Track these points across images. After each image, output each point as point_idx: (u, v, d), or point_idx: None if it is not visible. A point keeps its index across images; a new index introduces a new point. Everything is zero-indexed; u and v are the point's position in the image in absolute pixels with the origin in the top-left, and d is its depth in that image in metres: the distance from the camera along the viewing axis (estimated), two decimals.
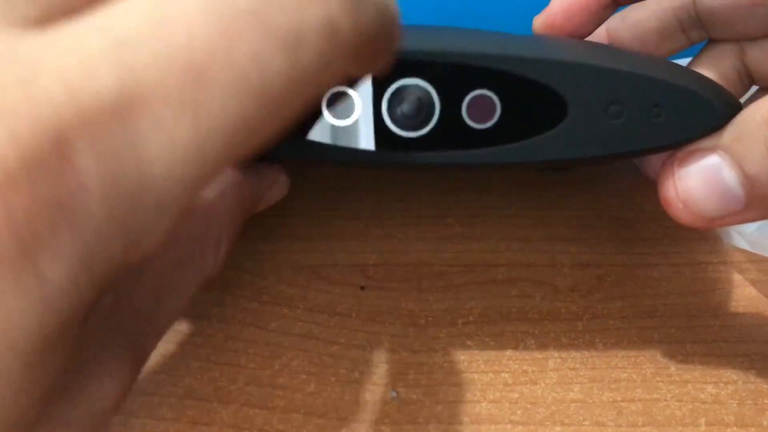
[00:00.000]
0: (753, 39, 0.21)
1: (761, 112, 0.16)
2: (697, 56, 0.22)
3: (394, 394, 0.19)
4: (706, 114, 0.17)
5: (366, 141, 0.18)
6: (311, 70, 0.09)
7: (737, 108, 0.17)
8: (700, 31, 0.22)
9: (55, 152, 0.08)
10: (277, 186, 0.20)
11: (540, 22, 0.22)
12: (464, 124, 0.17)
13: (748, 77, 0.21)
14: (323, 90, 0.10)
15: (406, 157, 0.18)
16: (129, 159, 0.08)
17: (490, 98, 0.17)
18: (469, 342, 0.21)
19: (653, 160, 0.22)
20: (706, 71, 0.21)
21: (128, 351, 0.14)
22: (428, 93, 0.17)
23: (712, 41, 0.22)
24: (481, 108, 0.17)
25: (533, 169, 0.23)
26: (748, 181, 0.16)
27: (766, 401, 0.18)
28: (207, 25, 0.09)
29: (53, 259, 0.08)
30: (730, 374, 0.19)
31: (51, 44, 0.09)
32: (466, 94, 0.17)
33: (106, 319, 0.14)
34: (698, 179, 0.16)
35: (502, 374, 0.19)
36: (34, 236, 0.08)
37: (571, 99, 0.17)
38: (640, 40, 0.22)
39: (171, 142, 0.09)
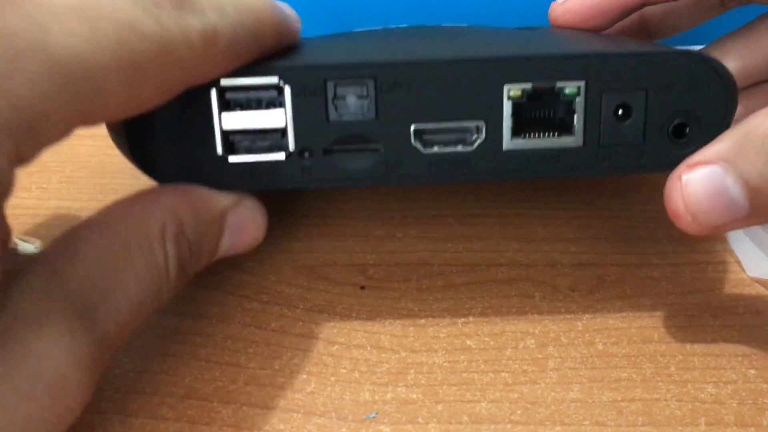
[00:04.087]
0: None
1: (764, 127, 0.16)
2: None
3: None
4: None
5: None
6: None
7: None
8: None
9: None
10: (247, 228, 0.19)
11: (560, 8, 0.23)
12: None
13: None
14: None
15: None
16: None
17: None
18: (469, 342, 0.21)
19: None
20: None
21: (73, 317, 0.14)
22: None
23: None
24: None
25: None
26: (753, 192, 0.16)
27: (766, 401, 0.18)
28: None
29: None
30: (730, 374, 0.19)
31: None
32: None
33: (39, 286, 0.14)
34: (704, 192, 0.17)
35: (502, 374, 0.19)
36: None
37: None
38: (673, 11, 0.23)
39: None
